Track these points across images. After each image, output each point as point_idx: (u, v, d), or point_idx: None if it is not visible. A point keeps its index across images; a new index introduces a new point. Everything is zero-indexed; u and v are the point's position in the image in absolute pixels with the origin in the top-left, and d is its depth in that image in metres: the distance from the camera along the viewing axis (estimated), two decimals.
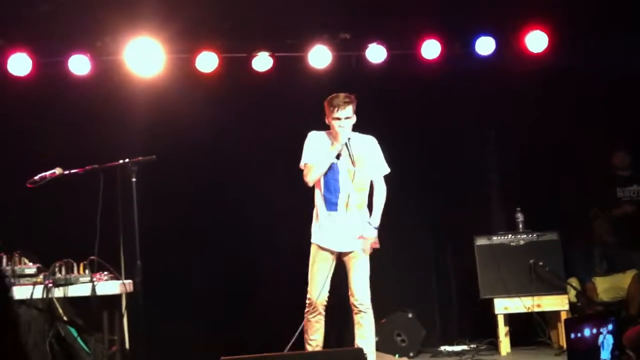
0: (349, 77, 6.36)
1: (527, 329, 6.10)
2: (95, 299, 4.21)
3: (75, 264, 4.27)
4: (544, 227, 6.16)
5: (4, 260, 4.27)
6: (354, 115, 4.59)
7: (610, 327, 3.24)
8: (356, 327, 4.62)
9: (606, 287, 6.13)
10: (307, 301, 4.60)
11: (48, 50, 5.89)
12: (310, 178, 4.57)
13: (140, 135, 5.86)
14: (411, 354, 6.03)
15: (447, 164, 6.66)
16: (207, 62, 6.07)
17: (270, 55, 6.18)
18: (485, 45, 6.37)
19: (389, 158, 6.54)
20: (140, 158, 4.59)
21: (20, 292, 4.16)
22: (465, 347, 6.22)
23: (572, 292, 6.07)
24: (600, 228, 6.29)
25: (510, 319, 6.08)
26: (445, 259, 6.69)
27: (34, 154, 5.60)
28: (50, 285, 4.16)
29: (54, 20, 5.64)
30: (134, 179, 4.52)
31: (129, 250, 4.48)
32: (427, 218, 6.69)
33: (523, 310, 5.98)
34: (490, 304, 6.07)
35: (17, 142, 5.85)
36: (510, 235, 6.18)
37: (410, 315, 6.19)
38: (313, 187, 4.67)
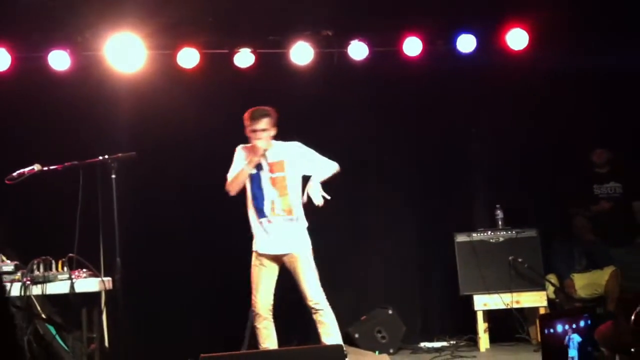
0: (331, 73, 6.38)
1: (506, 325, 6.15)
2: (74, 297, 4.20)
3: (53, 261, 4.25)
4: (524, 224, 6.21)
5: None
6: (273, 128, 4.75)
7: (581, 324, 3.27)
8: (318, 326, 4.70)
9: (584, 283, 6.19)
10: (252, 308, 4.70)
11: (28, 45, 5.84)
12: (230, 189, 4.77)
13: (121, 131, 5.85)
14: (391, 351, 6.06)
15: (429, 161, 6.69)
16: (189, 58, 6.05)
17: (252, 52, 6.17)
18: (466, 43, 6.41)
19: (368, 155, 6.60)
20: (120, 155, 4.58)
21: None
22: (444, 344, 6.26)
23: (551, 289, 6.13)
24: (579, 225, 6.35)
25: (490, 315, 6.13)
26: (426, 255, 6.72)
27: (12, 150, 5.56)
28: (29, 282, 4.13)
29: (33, 14, 5.59)
30: (113, 176, 4.52)
31: (108, 248, 4.46)
32: (408, 214, 6.73)
33: (502, 306, 6.03)
34: (469, 301, 6.11)
35: None
36: (489, 232, 6.22)
37: (390, 312, 6.23)
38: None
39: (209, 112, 6.16)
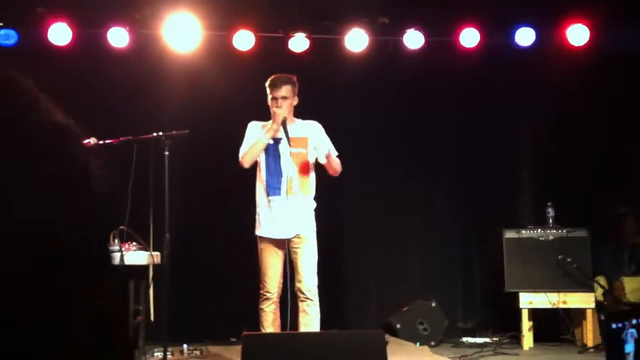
0: (385, 62, 6.33)
1: (551, 325, 6.05)
2: (122, 269, 4.27)
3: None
4: (574, 224, 6.09)
5: None
6: (295, 97, 4.59)
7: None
8: (301, 315, 4.47)
9: (634, 287, 6.03)
10: (261, 291, 4.52)
11: (88, 21, 5.93)
12: (246, 159, 4.55)
13: (175, 110, 5.91)
14: (432, 343, 6.02)
15: (480, 154, 6.60)
16: (244, 40, 6.07)
17: (307, 37, 6.16)
18: (525, 36, 6.29)
19: (417, 145, 6.54)
20: (174, 132, 4.60)
21: None
22: (487, 340, 6.19)
23: (599, 291, 6.00)
24: (628, 227, 6.20)
25: (535, 313, 6.03)
26: (472, 250, 6.66)
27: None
28: None
29: None
30: (166, 152, 4.53)
31: (158, 223, 4.52)
32: (456, 208, 6.66)
33: (548, 305, 5.92)
34: (515, 298, 6.02)
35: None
36: (539, 230, 6.11)
37: (433, 304, 6.18)
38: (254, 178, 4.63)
39: (261, 95, 6.17)
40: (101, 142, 4.56)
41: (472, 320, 6.55)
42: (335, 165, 4.61)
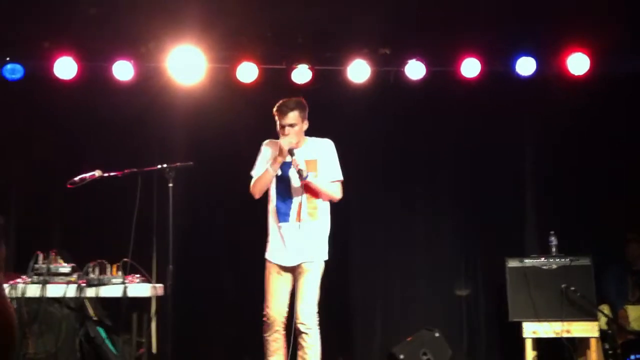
0: (387, 92, 6.38)
1: (555, 354, 6.01)
2: (125, 301, 4.29)
3: (108, 265, 4.36)
4: (577, 252, 6.08)
5: (40, 258, 4.38)
6: (304, 122, 4.46)
7: None
8: (298, 347, 4.35)
9: (638, 315, 6.02)
10: (264, 318, 4.43)
11: (93, 54, 6.02)
12: (255, 190, 4.48)
13: (179, 142, 5.99)
14: None
15: (482, 182, 6.62)
16: (248, 72, 6.13)
17: (310, 68, 6.22)
18: (525, 66, 6.33)
19: (419, 174, 6.56)
20: (177, 164, 4.62)
21: (53, 290, 4.26)
22: None
23: (603, 319, 5.97)
24: (634, 253, 6.19)
25: (539, 343, 6.00)
26: (475, 279, 6.64)
27: (75, 155, 5.74)
28: (83, 284, 4.25)
29: (100, 24, 5.78)
30: (170, 184, 4.53)
31: (161, 255, 4.54)
32: (458, 236, 6.66)
33: (552, 335, 5.89)
34: (519, 327, 6.00)
35: (60, 143, 6.00)
36: (542, 259, 6.10)
37: (437, 335, 6.15)
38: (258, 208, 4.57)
39: (265, 126, 6.21)
40: (106, 174, 4.62)
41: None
42: (325, 190, 4.47)
